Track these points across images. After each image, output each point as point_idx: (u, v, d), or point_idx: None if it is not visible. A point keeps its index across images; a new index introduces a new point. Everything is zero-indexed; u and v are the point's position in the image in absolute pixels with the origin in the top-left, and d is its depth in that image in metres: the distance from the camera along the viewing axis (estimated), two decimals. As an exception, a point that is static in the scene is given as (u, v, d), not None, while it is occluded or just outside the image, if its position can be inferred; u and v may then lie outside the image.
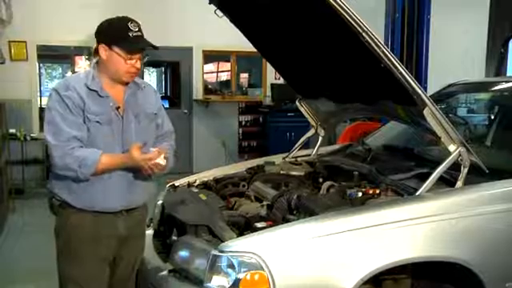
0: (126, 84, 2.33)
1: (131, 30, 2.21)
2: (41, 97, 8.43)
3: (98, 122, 2.23)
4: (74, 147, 2.17)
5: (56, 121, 2.19)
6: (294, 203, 2.61)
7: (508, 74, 7.11)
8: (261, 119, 8.81)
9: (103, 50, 2.24)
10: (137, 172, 2.30)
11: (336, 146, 3.95)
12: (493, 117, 4.01)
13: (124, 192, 2.30)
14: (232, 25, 3.27)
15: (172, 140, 2.59)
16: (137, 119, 2.35)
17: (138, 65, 2.26)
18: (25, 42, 7.59)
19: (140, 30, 2.24)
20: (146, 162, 2.20)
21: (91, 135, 2.23)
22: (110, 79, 2.28)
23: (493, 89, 3.92)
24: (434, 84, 4.90)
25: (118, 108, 2.29)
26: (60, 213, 2.32)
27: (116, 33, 2.22)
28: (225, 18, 3.19)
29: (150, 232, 2.87)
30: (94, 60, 2.34)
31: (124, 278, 2.48)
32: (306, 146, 3.72)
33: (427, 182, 2.41)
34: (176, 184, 3.23)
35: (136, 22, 2.25)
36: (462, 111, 4.95)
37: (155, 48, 2.27)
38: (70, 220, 2.29)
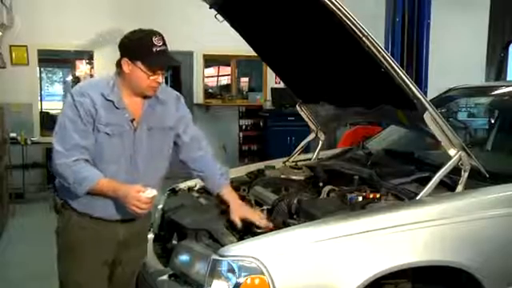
0: (146, 97, 2.28)
1: (155, 45, 2.15)
2: (41, 101, 8.45)
3: (106, 133, 2.19)
4: (78, 159, 2.14)
5: (64, 125, 2.16)
6: (294, 207, 2.60)
7: (508, 79, 7.12)
8: (261, 123, 8.81)
9: (126, 65, 2.18)
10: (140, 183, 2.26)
11: (336, 150, 3.94)
12: (493, 121, 4.01)
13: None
14: (232, 29, 3.28)
15: (206, 146, 2.59)
16: (150, 132, 2.30)
17: (161, 79, 2.22)
18: (25, 46, 7.60)
19: (164, 44, 2.19)
20: (136, 203, 2.11)
21: (98, 145, 2.19)
22: (130, 92, 2.24)
23: (493, 93, 3.93)
24: (434, 88, 4.91)
25: (132, 120, 2.25)
26: (62, 212, 2.31)
27: (140, 48, 2.16)
28: (225, 22, 3.19)
29: (150, 236, 2.87)
30: (116, 71, 2.27)
31: (123, 281, 2.47)
32: (306, 150, 3.71)
33: (427, 186, 2.41)
34: (176, 188, 3.23)
35: (160, 36, 2.19)
36: (462, 115, 4.96)
37: (178, 63, 2.24)
38: (71, 220, 2.29)
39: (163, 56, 2.19)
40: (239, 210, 2.49)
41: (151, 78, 2.19)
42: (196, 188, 3.22)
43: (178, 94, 2.51)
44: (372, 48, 2.26)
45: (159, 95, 2.34)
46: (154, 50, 2.15)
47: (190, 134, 2.51)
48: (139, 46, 2.17)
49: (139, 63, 2.16)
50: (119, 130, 2.22)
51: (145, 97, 2.28)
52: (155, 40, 2.16)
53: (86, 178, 2.14)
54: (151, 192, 2.14)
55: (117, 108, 2.22)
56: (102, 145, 2.20)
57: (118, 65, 2.23)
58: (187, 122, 2.51)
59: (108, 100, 2.20)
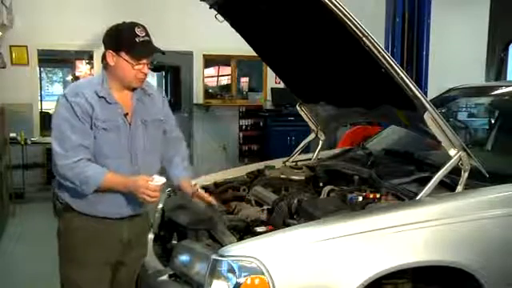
0: (134, 90, 2.31)
1: (138, 36, 2.18)
2: (41, 101, 8.46)
3: (104, 128, 2.21)
4: (80, 159, 2.15)
5: (62, 128, 2.17)
6: (294, 207, 2.61)
7: (508, 79, 7.12)
8: (261, 123, 8.81)
9: (111, 57, 2.21)
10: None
11: (336, 151, 3.95)
12: (493, 121, 4.01)
13: (127, 199, 2.27)
14: (232, 29, 3.28)
15: (183, 146, 2.59)
16: (144, 125, 2.33)
17: (146, 70, 2.24)
18: (25, 46, 7.60)
19: (147, 35, 2.22)
20: (146, 191, 2.15)
21: (97, 142, 2.21)
22: (118, 85, 2.27)
23: (493, 93, 3.93)
24: (435, 88, 4.91)
25: (126, 115, 2.28)
26: (63, 215, 2.31)
27: (123, 39, 2.20)
28: (225, 22, 3.20)
29: (150, 236, 2.87)
30: (102, 66, 2.31)
31: (124, 283, 2.47)
32: (306, 150, 3.72)
33: (427, 186, 2.41)
34: (176, 188, 3.23)
35: (143, 27, 2.23)
36: (462, 115, 4.96)
37: (162, 53, 2.24)
38: (72, 223, 2.29)
39: (147, 45, 2.21)
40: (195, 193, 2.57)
41: (136, 67, 2.21)
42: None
43: (163, 93, 2.59)
44: (372, 48, 2.26)
45: (145, 87, 2.38)
46: (137, 40, 2.18)
47: (172, 134, 2.55)
48: (122, 37, 2.21)
49: (123, 54, 2.20)
50: (115, 125, 2.25)
51: (133, 89, 2.30)
52: (138, 31, 2.20)
53: (92, 177, 2.16)
54: (160, 180, 2.18)
55: (109, 103, 2.25)
56: (101, 141, 2.22)
57: (104, 59, 2.26)
58: (171, 121, 2.55)
59: (100, 97, 2.23)
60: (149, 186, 2.14)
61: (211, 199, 2.59)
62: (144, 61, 2.22)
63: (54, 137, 2.19)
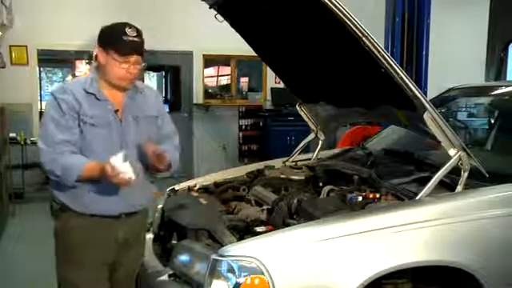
0: (124, 90, 2.32)
1: (127, 35, 2.20)
2: (41, 101, 8.42)
3: (93, 124, 2.23)
4: (63, 152, 2.18)
5: (48, 125, 2.21)
6: (294, 207, 2.61)
7: (508, 79, 7.12)
8: (261, 123, 8.81)
9: (101, 54, 2.25)
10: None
11: (336, 150, 3.95)
12: (493, 121, 4.01)
13: (123, 196, 2.28)
14: (232, 29, 3.28)
15: (176, 141, 2.57)
16: (136, 121, 2.34)
17: (133, 69, 2.24)
18: (25, 46, 7.59)
19: (138, 36, 2.23)
20: (112, 175, 2.10)
21: (86, 139, 2.23)
22: (108, 84, 2.28)
23: (493, 93, 3.93)
24: (435, 88, 4.91)
25: (116, 111, 2.29)
26: (60, 216, 2.31)
27: (112, 36, 2.23)
28: (225, 22, 3.20)
29: (149, 236, 2.87)
30: (95, 64, 2.35)
31: (123, 283, 2.47)
32: (306, 150, 3.72)
33: (427, 186, 2.41)
34: (176, 188, 3.23)
35: (135, 28, 2.24)
36: (462, 115, 4.96)
37: (150, 53, 2.26)
38: (69, 223, 2.29)
39: (133, 44, 2.22)
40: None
41: (122, 65, 2.21)
42: (196, 188, 3.23)
43: (157, 91, 2.55)
44: (372, 48, 2.26)
45: (137, 85, 2.39)
46: (125, 38, 2.20)
47: (165, 130, 2.53)
48: (112, 36, 2.24)
49: (111, 52, 2.22)
50: (105, 121, 2.26)
51: (124, 90, 2.31)
52: (128, 30, 2.22)
53: (73, 167, 2.17)
54: (116, 159, 2.09)
55: (98, 100, 2.26)
56: (91, 138, 2.23)
57: (96, 57, 2.29)
58: (164, 117, 2.55)
59: (89, 93, 2.25)
60: (112, 169, 2.08)
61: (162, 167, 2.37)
62: (131, 60, 2.22)
63: (40, 134, 2.26)
